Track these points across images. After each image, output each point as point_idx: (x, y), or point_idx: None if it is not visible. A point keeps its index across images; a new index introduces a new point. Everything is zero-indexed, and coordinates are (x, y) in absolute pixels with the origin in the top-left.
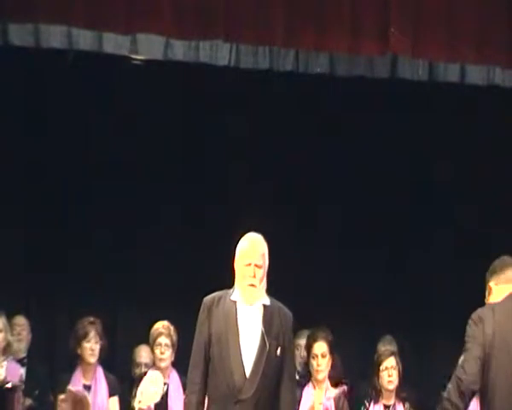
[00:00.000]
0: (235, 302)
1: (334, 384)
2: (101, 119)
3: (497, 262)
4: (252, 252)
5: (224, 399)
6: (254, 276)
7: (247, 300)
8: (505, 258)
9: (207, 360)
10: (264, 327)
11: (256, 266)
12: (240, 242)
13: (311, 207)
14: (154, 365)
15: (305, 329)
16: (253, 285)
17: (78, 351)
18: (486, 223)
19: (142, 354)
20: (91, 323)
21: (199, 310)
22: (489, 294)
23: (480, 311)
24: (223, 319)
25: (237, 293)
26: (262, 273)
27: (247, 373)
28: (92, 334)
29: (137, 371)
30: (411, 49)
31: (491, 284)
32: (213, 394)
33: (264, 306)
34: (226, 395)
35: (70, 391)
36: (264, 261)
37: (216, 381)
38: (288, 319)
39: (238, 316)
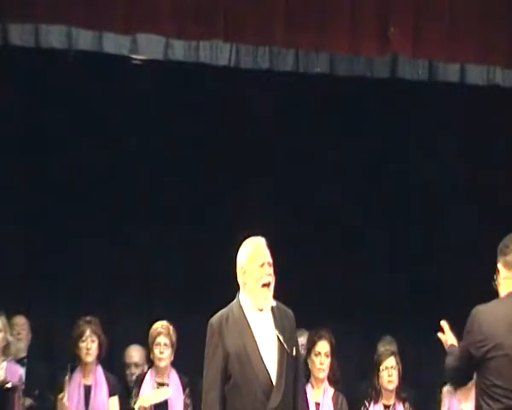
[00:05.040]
0: (242, 311)
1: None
2: (101, 119)
3: (507, 240)
4: (262, 252)
5: None
6: (271, 274)
7: (262, 304)
8: None
9: (224, 380)
10: (277, 330)
11: (269, 264)
12: (242, 249)
13: (310, 206)
14: (152, 364)
15: (304, 329)
16: (270, 283)
17: (76, 351)
18: (487, 224)
19: (132, 354)
20: (87, 322)
21: (199, 310)
22: (497, 276)
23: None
24: (237, 334)
25: (246, 299)
26: (272, 272)
27: (274, 379)
28: (87, 333)
29: (128, 371)
30: (411, 49)
31: (499, 265)
32: None
33: (272, 308)
34: (253, 409)
35: None
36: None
37: (240, 398)
38: (293, 319)
39: (251, 325)
